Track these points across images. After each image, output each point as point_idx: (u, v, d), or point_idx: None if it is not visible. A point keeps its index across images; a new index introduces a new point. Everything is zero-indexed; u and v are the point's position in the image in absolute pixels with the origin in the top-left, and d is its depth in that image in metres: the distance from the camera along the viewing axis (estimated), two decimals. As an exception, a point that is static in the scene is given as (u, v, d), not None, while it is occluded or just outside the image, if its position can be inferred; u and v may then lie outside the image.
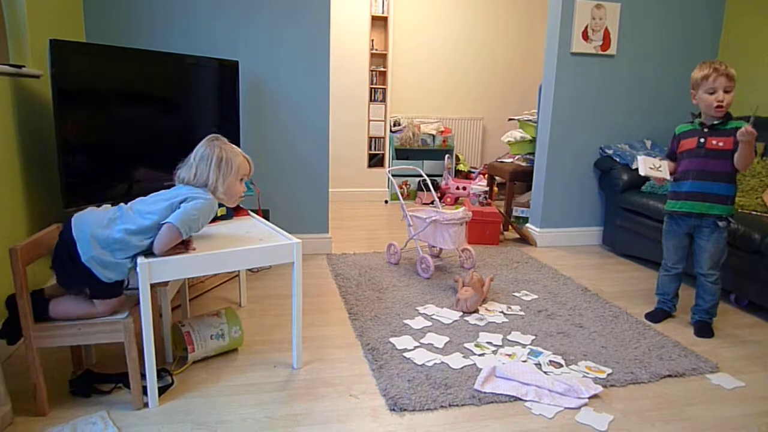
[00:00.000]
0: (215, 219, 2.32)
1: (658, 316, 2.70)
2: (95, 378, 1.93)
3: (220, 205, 2.18)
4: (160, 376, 1.89)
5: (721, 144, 2.41)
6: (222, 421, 1.78)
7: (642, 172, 2.53)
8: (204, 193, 1.87)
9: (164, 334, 2.14)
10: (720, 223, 2.45)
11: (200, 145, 1.94)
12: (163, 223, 1.76)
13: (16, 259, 1.65)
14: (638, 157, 2.58)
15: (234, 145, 1.99)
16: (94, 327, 1.75)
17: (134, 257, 1.76)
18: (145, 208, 1.81)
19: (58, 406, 1.81)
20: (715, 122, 2.43)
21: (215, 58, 3.04)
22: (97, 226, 1.74)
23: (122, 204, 1.86)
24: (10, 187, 2.20)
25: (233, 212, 2.45)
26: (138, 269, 1.70)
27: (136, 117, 2.66)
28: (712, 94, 2.40)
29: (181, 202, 1.81)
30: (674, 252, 2.63)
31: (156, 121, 2.77)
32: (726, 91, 2.38)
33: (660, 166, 2.52)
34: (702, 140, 2.45)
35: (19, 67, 2.26)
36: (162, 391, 1.89)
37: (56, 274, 1.80)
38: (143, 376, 1.81)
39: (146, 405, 1.82)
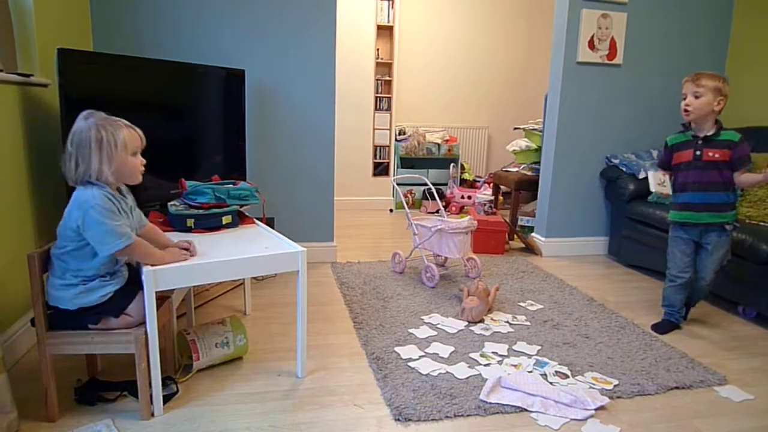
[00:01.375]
0: (220, 227, 2.32)
1: (664, 327, 2.68)
2: (100, 386, 1.93)
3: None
4: (165, 385, 1.89)
5: (717, 156, 2.45)
6: (226, 429, 1.77)
7: (652, 189, 2.63)
8: (87, 198, 1.67)
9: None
10: (727, 227, 2.52)
11: (74, 128, 1.70)
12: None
13: (33, 265, 1.66)
14: (649, 173, 2.67)
15: (115, 117, 1.75)
16: (107, 337, 1.75)
17: (105, 275, 1.75)
18: (60, 242, 1.72)
19: (64, 413, 1.81)
20: (709, 134, 2.47)
21: (222, 67, 3.06)
22: (55, 279, 1.73)
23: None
24: (17, 194, 2.22)
25: (239, 220, 2.45)
26: (143, 278, 1.70)
27: (142, 125, 2.64)
28: (683, 99, 2.49)
29: (78, 226, 1.66)
30: (680, 259, 2.61)
31: (162, 129, 2.78)
32: (695, 97, 2.44)
33: (664, 182, 2.61)
34: (698, 153, 2.49)
35: (27, 76, 2.28)
36: (167, 399, 1.88)
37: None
38: (148, 384, 1.80)
39: (151, 413, 1.82)
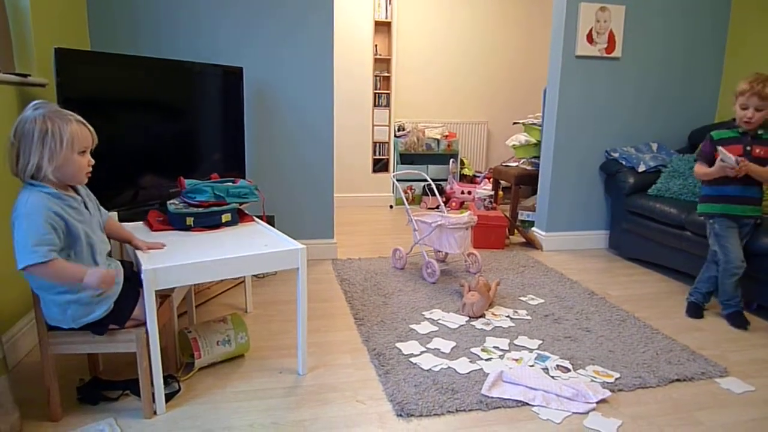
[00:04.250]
0: (220, 225, 2.32)
1: (741, 319, 2.67)
2: (102, 385, 1.93)
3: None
4: (167, 383, 1.89)
5: (762, 153, 2.60)
6: (228, 427, 1.77)
7: (733, 163, 2.54)
8: (21, 203, 1.53)
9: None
10: (758, 221, 2.71)
11: (19, 117, 1.56)
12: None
13: None
14: (721, 150, 2.58)
15: (67, 111, 1.62)
16: (108, 336, 1.75)
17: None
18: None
19: (66, 413, 1.81)
20: (760, 132, 2.59)
21: (220, 65, 3.06)
22: (46, 296, 1.66)
23: None
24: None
25: (238, 218, 2.45)
26: (143, 277, 1.70)
27: (141, 124, 2.67)
28: (744, 109, 2.57)
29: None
30: (738, 248, 2.66)
31: (161, 128, 2.78)
32: (757, 110, 2.53)
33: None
34: (748, 149, 2.61)
35: (25, 76, 2.28)
36: (169, 397, 1.89)
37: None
38: (150, 382, 1.81)
39: (154, 412, 1.82)
